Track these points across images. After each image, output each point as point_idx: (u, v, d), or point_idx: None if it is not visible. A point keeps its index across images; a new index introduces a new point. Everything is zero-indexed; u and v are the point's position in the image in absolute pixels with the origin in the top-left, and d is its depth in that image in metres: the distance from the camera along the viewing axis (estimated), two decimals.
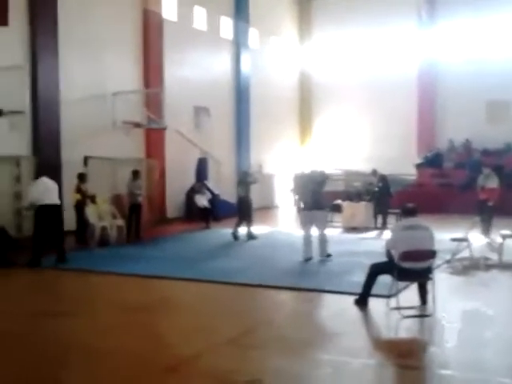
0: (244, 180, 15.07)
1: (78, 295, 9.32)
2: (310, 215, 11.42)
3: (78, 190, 13.91)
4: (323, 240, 11.42)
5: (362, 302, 7.77)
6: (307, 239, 11.45)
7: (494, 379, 5.31)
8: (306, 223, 11.54)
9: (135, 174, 15.34)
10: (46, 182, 11.71)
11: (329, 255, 11.44)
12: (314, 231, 11.46)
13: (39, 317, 7.61)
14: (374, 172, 17.78)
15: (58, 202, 11.62)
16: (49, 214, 11.33)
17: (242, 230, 14.48)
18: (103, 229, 14.17)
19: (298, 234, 12.04)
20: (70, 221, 13.92)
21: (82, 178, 14.18)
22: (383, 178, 17.37)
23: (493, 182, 14.86)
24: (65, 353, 6.21)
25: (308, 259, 11.31)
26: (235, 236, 14.35)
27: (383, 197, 16.97)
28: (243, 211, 14.53)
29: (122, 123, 17.10)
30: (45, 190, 11.46)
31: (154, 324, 7.36)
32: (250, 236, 14.37)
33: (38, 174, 13.92)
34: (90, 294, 9.34)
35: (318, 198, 11.44)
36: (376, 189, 17.38)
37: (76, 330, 7.07)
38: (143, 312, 7.98)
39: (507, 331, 6.88)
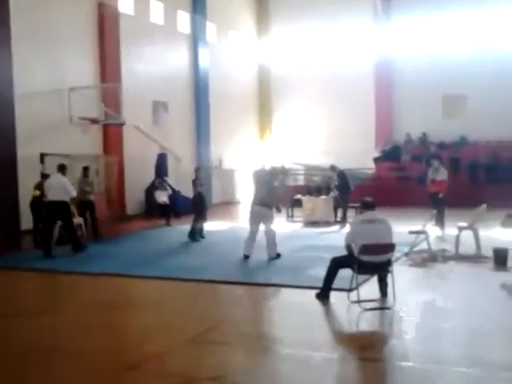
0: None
1: (38, 295, 9.18)
2: (258, 212, 11.16)
3: (39, 187, 13.48)
4: (271, 240, 11.10)
5: (323, 295, 7.83)
6: (251, 237, 11.15)
7: (451, 369, 5.43)
8: (253, 221, 11.22)
9: (85, 171, 15.00)
10: (50, 180, 12.61)
11: (278, 255, 11.14)
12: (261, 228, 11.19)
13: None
14: (333, 167, 17.94)
15: (60, 198, 12.24)
16: (52, 210, 12.29)
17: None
18: (61, 227, 13.90)
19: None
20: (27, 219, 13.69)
21: (44, 176, 13.83)
22: (341, 173, 17.54)
23: (442, 175, 15.23)
24: (27, 352, 6.09)
25: (246, 256, 11.03)
26: (194, 237, 13.61)
27: (342, 191, 17.14)
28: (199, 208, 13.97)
29: (78, 119, 16.84)
30: (48, 188, 12.40)
31: (117, 322, 7.29)
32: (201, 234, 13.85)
33: None
34: (51, 294, 9.20)
35: (268, 195, 11.16)
36: (335, 183, 17.54)
37: (38, 329, 6.95)
38: (106, 310, 7.89)
39: (465, 323, 7.03)
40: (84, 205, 14.64)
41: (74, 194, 12.73)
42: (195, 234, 13.56)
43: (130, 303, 8.36)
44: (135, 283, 9.59)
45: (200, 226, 13.74)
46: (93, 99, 17.56)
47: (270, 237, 11.09)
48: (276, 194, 11.66)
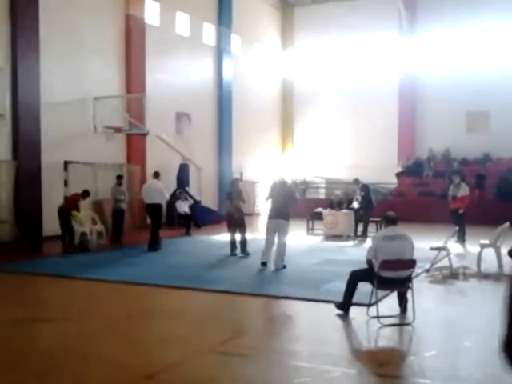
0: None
1: (57, 301, 9.23)
2: (275, 223, 11.45)
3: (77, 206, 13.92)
4: (281, 251, 11.35)
5: (343, 309, 7.78)
6: (268, 246, 11.52)
7: None
8: (270, 231, 11.56)
9: (119, 179, 15.21)
10: (148, 185, 14.54)
11: (284, 267, 11.31)
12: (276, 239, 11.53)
13: (17, 323, 7.52)
14: (356, 181, 17.86)
15: (157, 201, 14.03)
16: (150, 211, 14.24)
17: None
18: (83, 234, 14.08)
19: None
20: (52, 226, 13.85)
21: (85, 194, 14.14)
22: (365, 187, 17.47)
23: (463, 191, 15.13)
24: (43, 358, 6.14)
25: (264, 263, 11.39)
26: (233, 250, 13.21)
27: (365, 206, 17.07)
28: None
29: (103, 128, 17.02)
30: (146, 192, 14.17)
31: (134, 331, 7.31)
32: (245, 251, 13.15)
33: (18, 178, 13.89)
34: (70, 300, 9.25)
35: (284, 207, 11.45)
36: (358, 198, 17.46)
37: (55, 336, 7.02)
38: (123, 319, 7.93)
39: (485, 340, 6.93)
40: (116, 213, 14.85)
41: (168, 197, 14.80)
42: (235, 247, 13.15)
43: (149, 312, 8.38)
44: (154, 292, 9.63)
45: (243, 240, 13.07)
46: (117, 109, 17.77)
47: (281, 248, 11.38)
48: (292, 205, 11.75)
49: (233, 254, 13.10)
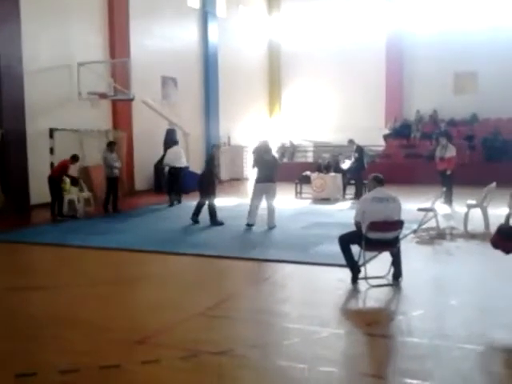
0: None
1: (45, 269, 9.26)
2: (263, 187, 11.86)
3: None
4: (271, 211, 11.89)
5: (354, 274, 7.63)
6: (254, 208, 11.91)
7: (457, 346, 5.44)
8: (257, 195, 11.94)
9: (111, 146, 14.85)
10: (171, 150, 16.62)
11: (274, 226, 11.85)
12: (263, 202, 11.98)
13: (6, 291, 7.53)
14: (351, 142, 17.80)
15: (179, 165, 16.25)
16: (173, 173, 16.33)
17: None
18: (70, 202, 14.02)
19: (263, 206, 12.15)
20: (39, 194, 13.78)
21: (74, 159, 13.90)
22: (359, 149, 17.43)
23: (450, 152, 15.18)
24: (32, 325, 6.15)
25: (250, 225, 11.80)
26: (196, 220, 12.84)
27: (357, 168, 17.07)
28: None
29: (87, 94, 16.81)
30: (169, 156, 16.33)
31: (123, 297, 7.34)
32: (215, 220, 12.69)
33: (3, 146, 13.76)
34: (58, 268, 9.26)
35: (270, 171, 11.88)
36: (352, 159, 17.45)
37: (44, 303, 7.04)
38: (112, 285, 7.96)
39: (473, 300, 7.04)
40: (111, 180, 14.59)
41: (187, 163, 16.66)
42: (198, 215, 12.75)
43: (137, 278, 8.39)
44: (142, 258, 9.64)
45: (212, 209, 12.62)
46: (102, 74, 17.52)
47: (271, 209, 11.88)
48: (277, 169, 12.13)
49: (194, 220, 12.61)
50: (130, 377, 4.81)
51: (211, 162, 13.12)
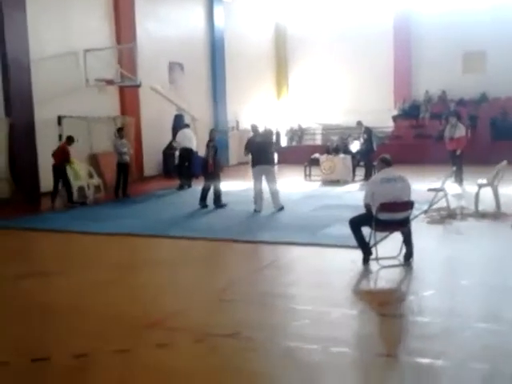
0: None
1: (56, 255, 9.28)
2: (259, 170, 11.85)
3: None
4: (275, 193, 11.89)
5: (365, 255, 7.59)
6: (257, 193, 11.92)
7: (469, 325, 5.43)
8: (256, 178, 11.93)
9: (120, 132, 14.97)
10: (183, 132, 16.94)
11: (282, 207, 11.83)
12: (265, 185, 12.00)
13: (16, 277, 7.55)
14: (360, 123, 17.70)
15: (190, 146, 16.52)
16: (184, 154, 16.52)
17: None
18: (80, 189, 14.07)
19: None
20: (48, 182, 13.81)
21: (69, 140, 13.86)
22: (368, 130, 17.33)
23: (460, 132, 15.07)
24: (44, 311, 6.19)
25: (258, 211, 11.78)
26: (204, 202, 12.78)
27: (366, 149, 16.97)
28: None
29: (94, 81, 16.78)
30: (181, 138, 16.63)
31: (133, 282, 7.36)
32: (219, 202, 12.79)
33: (12, 135, 13.79)
34: (69, 254, 9.31)
35: (265, 153, 11.86)
36: (361, 140, 17.36)
37: (54, 289, 7.07)
38: (122, 270, 7.99)
39: (484, 279, 7.01)
40: (121, 166, 14.66)
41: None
42: (205, 199, 12.72)
43: (147, 263, 8.40)
44: (151, 243, 9.67)
45: (217, 192, 12.71)
46: (108, 61, 17.45)
47: (274, 191, 11.88)
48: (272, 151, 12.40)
49: (202, 205, 12.58)
50: (142, 360, 4.83)
51: (214, 145, 13.05)
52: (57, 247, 9.87)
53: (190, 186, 16.47)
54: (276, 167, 12.27)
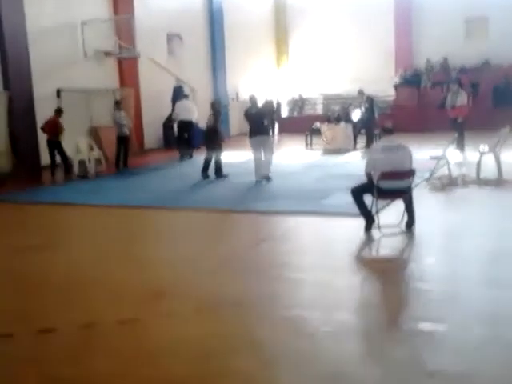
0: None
1: (56, 228, 9.27)
2: (257, 141, 11.86)
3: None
4: (267, 162, 11.92)
5: (368, 223, 7.59)
6: (257, 163, 11.94)
7: (471, 290, 5.46)
8: (255, 148, 11.95)
9: (117, 104, 14.99)
10: (181, 103, 16.88)
11: (269, 178, 11.84)
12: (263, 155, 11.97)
13: (19, 250, 7.58)
14: (361, 92, 17.59)
15: (190, 118, 16.40)
16: (183, 126, 16.52)
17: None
18: (81, 162, 14.05)
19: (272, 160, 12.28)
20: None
21: (57, 112, 13.80)
22: (369, 99, 17.22)
23: (462, 100, 14.96)
24: (48, 283, 6.22)
25: (260, 180, 11.81)
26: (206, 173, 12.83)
27: (367, 118, 16.89)
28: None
29: (93, 53, 16.64)
30: (180, 109, 16.52)
31: (137, 254, 7.37)
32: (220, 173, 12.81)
33: (11, 108, 13.72)
34: (69, 227, 9.31)
35: (261, 124, 11.88)
36: (362, 108, 17.27)
37: (58, 261, 7.08)
38: (123, 242, 8.03)
39: (486, 244, 7.01)
40: (120, 139, 14.72)
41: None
42: (207, 170, 12.77)
43: (151, 234, 8.45)
44: (153, 214, 9.67)
45: (219, 163, 12.73)
46: (106, 32, 17.29)
47: (267, 160, 11.91)
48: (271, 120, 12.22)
49: (204, 176, 12.64)
50: (148, 329, 4.87)
51: (217, 116, 12.97)
52: (58, 220, 9.87)
53: (191, 156, 16.44)
54: (274, 137, 12.22)
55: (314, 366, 4.11)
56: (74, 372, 4.17)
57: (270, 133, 12.27)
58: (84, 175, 13.83)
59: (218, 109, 13.11)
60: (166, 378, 4.05)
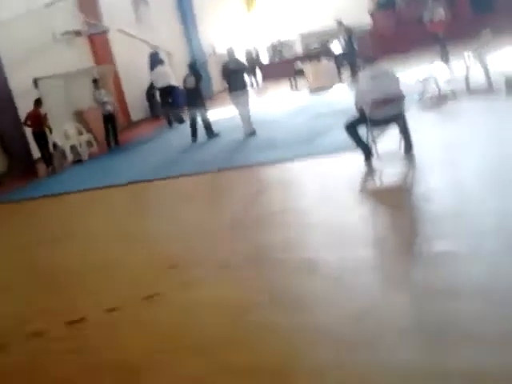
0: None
1: (64, 218, 9.23)
2: (233, 96, 11.84)
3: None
4: (245, 118, 11.77)
5: (367, 156, 7.59)
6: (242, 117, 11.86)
7: (479, 204, 5.49)
8: (236, 104, 11.90)
9: (95, 83, 14.86)
10: (158, 70, 16.48)
11: (253, 132, 11.71)
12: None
13: (36, 245, 7.64)
14: (340, 23, 17.21)
15: (169, 83, 15.88)
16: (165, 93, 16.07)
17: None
18: (73, 147, 13.98)
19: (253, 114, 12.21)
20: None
21: (37, 103, 13.61)
22: (348, 30, 16.89)
23: (439, 14, 14.74)
24: (69, 274, 6.25)
25: (249, 134, 11.70)
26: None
27: (348, 50, 16.61)
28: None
29: (62, 35, 16.32)
30: (158, 77, 16.21)
31: (145, 231, 7.34)
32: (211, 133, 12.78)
33: None
34: (76, 215, 9.27)
35: (237, 79, 11.77)
36: (342, 41, 16.96)
37: (73, 252, 7.10)
38: (133, 221, 8.05)
39: (487, 155, 6.93)
40: (106, 117, 14.65)
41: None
42: (195, 133, 12.69)
43: (152, 206, 8.43)
44: (152, 187, 9.68)
45: (206, 123, 12.66)
46: (71, 11, 16.89)
47: (244, 116, 11.76)
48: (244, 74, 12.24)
49: (193, 139, 12.60)
50: (172, 300, 4.92)
51: (197, 77, 12.93)
52: (62, 210, 9.83)
53: (181, 121, 16.29)
54: (251, 91, 12.13)
55: (339, 305, 4.18)
56: (112, 357, 4.24)
57: (247, 87, 12.05)
58: (78, 160, 13.78)
59: (197, 70, 13.02)
60: (204, 343, 4.10)
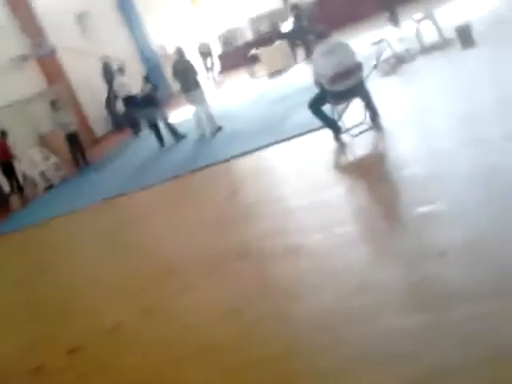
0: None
1: (50, 247, 9.11)
2: (188, 96, 11.72)
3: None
4: (208, 116, 11.59)
5: (337, 134, 7.58)
6: (195, 118, 11.73)
7: (455, 160, 5.51)
8: (190, 103, 11.79)
9: (54, 105, 14.61)
10: (118, 81, 16.11)
11: (219, 128, 11.56)
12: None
13: (21, 282, 7.55)
14: (286, 1, 17.08)
15: (130, 93, 15.07)
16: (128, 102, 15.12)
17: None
18: (42, 173, 13.79)
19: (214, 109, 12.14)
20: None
21: (3, 135, 13.37)
22: (295, 7, 16.80)
23: None
24: (59, 301, 6.21)
25: (201, 136, 11.59)
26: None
27: (298, 29, 16.56)
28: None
29: (8, 61, 16.01)
30: (123, 86, 15.64)
31: (132, 244, 7.32)
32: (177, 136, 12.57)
33: None
34: (53, 242, 9.15)
35: (188, 78, 11.60)
36: (291, 20, 16.89)
37: (59, 280, 7.03)
38: (120, 236, 7.97)
39: (455, 109, 6.92)
40: (69, 137, 14.39)
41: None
42: (161, 138, 12.62)
43: (136, 219, 8.36)
44: (130, 199, 9.57)
45: (170, 126, 12.53)
46: (13, 36, 16.54)
47: (207, 114, 11.59)
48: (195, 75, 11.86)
49: (161, 144, 12.53)
50: (169, 312, 4.90)
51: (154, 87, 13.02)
52: (41, 240, 9.61)
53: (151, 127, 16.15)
54: (208, 85, 11.98)
55: (337, 283, 4.20)
56: (118, 380, 4.20)
57: (200, 85, 11.87)
58: (50, 185, 13.59)
59: (152, 82, 13.20)
60: (207, 349, 4.09)
